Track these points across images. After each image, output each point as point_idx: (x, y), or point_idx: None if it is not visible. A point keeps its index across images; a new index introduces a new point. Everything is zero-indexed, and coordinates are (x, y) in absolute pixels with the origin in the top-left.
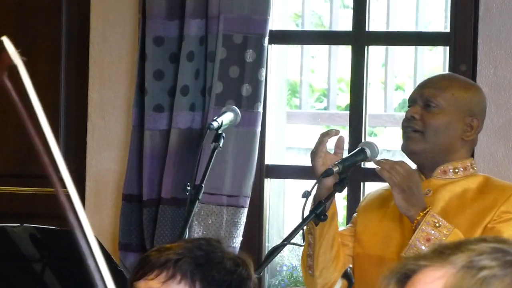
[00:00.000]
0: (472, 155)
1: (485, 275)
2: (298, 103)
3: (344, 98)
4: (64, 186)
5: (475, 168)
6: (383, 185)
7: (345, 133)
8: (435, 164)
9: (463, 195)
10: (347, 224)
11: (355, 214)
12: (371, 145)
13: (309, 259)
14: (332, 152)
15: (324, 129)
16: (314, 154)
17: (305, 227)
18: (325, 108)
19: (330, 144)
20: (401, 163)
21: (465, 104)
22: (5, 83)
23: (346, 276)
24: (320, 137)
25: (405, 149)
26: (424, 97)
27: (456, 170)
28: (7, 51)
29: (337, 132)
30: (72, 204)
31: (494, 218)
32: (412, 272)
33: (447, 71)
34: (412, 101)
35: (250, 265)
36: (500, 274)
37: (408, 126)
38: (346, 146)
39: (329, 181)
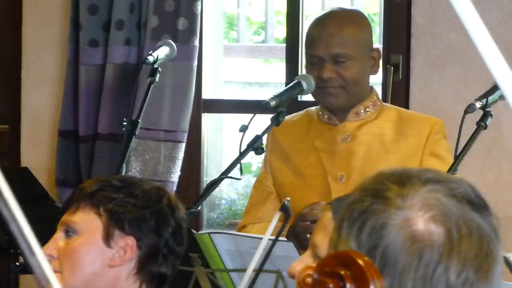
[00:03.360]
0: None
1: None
2: (235, 36)
3: (281, 31)
4: None
5: (378, 96)
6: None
7: (282, 66)
8: (350, 107)
9: (382, 137)
10: None
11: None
12: (307, 78)
13: None
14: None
15: (262, 63)
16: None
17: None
18: (263, 41)
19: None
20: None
21: (365, 42)
22: None
23: (283, 209)
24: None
25: (330, 105)
26: (331, 54)
27: (367, 109)
28: None
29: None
30: None
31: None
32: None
33: (382, 4)
34: (318, 60)
35: (164, 192)
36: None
37: (327, 86)
38: (283, 79)
39: None
